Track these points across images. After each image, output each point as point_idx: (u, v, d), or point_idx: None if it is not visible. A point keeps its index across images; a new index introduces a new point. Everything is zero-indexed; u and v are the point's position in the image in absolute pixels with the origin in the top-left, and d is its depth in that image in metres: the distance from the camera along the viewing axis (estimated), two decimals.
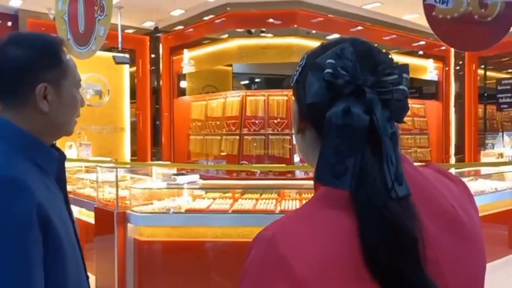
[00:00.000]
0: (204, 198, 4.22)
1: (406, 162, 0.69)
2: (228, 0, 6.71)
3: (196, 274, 3.66)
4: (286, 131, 6.41)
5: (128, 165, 6.23)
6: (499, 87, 8.44)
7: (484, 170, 5.54)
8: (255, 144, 6.51)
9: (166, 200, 4.10)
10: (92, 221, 4.16)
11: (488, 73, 9.15)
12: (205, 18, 7.28)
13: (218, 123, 6.97)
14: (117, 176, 3.98)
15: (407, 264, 0.59)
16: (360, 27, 7.34)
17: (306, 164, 4.66)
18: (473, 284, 0.70)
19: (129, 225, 3.83)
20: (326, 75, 0.64)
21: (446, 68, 9.01)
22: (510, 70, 9.80)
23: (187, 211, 3.83)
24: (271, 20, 6.77)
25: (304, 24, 6.77)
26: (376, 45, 0.71)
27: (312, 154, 0.72)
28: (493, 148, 6.88)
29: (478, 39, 3.88)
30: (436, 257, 0.63)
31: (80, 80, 1.15)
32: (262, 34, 6.82)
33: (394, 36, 7.90)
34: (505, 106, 8.45)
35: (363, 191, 0.61)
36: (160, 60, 8.34)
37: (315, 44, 0.77)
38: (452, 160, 8.71)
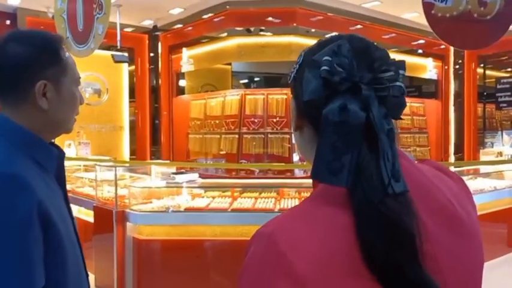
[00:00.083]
0: (203, 197, 4.22)
1: (404, 158, 0.69)
2: None
3: (196, 273, 3.66)
4: (286, 129, 6.40)
5: (127, 164, 6.25)
6: (498, 86, 8.42)
7: (483, 169, 5.54)
8: (254, 143, 6.50)
9: (165, 199, 4.10)
10: (91, 219, 4.16)
11: (488, 72, 9.13)
12: (205, 16, 7.26)
13: (217, 122, 6.96)
14: (116, 174, 3.99)
15: (405, 260, 0.59)
16: (359, 26, 7.32)
17: (305, 163, 4.66)
18: (471, 280, 0.70)
19: (128, 224, 3.83)
20: (322, 72, 0.64)
21: (446, 67, 9.00)
22: (509, 69, 9.80)
23: (187, 210, 3.83)
24: (270, 19, 6.75)
25: (303, 22, 6.74)
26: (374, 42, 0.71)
27: (310, 151, 0.72)
28: (492, 147, 6.88)
29: (477, 37, 3.88)
30: (434, 253, 0.63)
31: (79, 77, 1.15)
32: (262, 33, 6.80)
33: (393, 34, 7.88)
34: (504, 105, 8.43)
35: (360, 187, 0.61)
36: (159, 59, 8.31)
37: (314, 42, 0.77)
38: (452, 159, 8.70)
